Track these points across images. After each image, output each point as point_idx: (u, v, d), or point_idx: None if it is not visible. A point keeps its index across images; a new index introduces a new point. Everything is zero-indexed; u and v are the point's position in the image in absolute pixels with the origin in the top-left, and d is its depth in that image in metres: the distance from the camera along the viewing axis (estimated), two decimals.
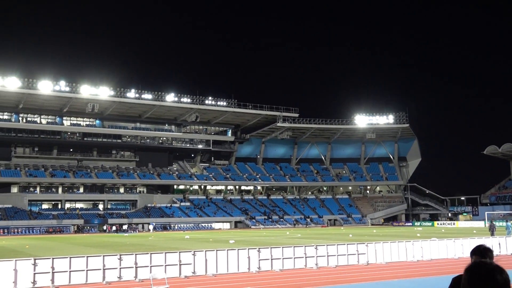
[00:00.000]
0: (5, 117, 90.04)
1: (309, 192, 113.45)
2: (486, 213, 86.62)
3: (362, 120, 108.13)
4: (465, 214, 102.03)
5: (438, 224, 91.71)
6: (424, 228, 78.07)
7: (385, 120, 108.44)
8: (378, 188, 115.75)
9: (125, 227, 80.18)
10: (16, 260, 18.17)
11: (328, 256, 23.38)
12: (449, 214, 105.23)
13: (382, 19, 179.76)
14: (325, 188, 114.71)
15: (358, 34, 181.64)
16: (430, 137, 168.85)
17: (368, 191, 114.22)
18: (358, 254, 24.01)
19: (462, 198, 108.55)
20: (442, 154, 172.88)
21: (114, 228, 79.38)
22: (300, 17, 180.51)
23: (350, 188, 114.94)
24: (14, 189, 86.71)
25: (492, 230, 44.06)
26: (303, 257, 22.89)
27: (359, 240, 32.16)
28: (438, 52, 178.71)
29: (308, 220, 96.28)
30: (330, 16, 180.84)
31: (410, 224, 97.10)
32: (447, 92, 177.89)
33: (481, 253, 4.60)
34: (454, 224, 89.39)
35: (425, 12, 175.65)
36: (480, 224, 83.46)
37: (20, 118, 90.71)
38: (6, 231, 73.41)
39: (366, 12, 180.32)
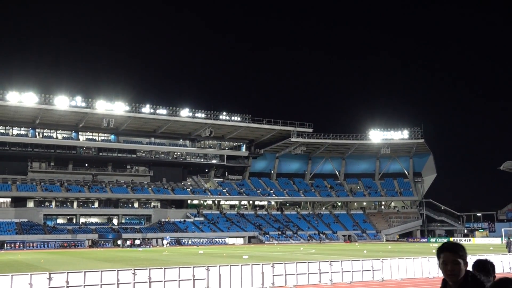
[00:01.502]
0: (22, 132, 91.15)
1: (323, 208, 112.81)
2: (503, 229, 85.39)
3: (376, 136, 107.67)
4: (481, 230, 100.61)
5: (454, 240, 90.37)
6: (439, 244, 76.99)
7: (400, 135, 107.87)
8: (393, 204, 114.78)
9: (137, 241, 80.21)
10: (31, 274, 18.29)
11: (342, 272, 23.19)
12: (465, 231, 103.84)
13: (399, 33, 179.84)
14: (339, 204, 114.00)
15: (373, 49, 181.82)
16: (446, 153, 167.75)
17: (382, 207, 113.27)
18: (373, 270, 23.79)
19: (479, 214, 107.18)
20: (458, 169, 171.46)
21: (128, 242, 79.50)
22: (315, 32, 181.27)
23: (364, 203, 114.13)
24: (30, 204, 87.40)
25: (509, 247, 43.44)
26: (317, 273, 22.73)
27: (374, 256, 31.86)
28: (454, 66, 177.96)
29: (322, 235, 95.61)
30: (345, 31, 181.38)
31: (426, 240, 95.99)
32: (463, 107, 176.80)
33: (484, 268, 4.44)
34: (470, 240, 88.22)
35: (442, 24, 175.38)
36: (497, 240, 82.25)
37: (37, 133, 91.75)
38: (21, 245, 73.88)
39: (382, 24, 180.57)
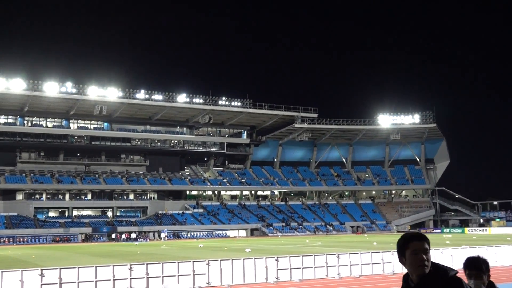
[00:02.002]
0: (10, 120, 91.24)
1: (330, 197, 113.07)
2: None
3: (385, 120, 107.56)
4: (498, 220, 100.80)
5: (469, 230, 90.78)
6: (453, 235, 77.34)
7: (411, 119, 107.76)
8: (403, 193, 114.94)
9: (133, 235, 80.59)
10: (22, 271, 18.40)
11: (351, 265, 23.29)
12: (481, 220, 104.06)
13: (407, 15, 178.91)
14: (346, 193, 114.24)
15: (381, 30, 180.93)
16: (459, 138, 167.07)
17: (393, 196, 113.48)
18: (383, 263, 23.87)
19: (495, 202, 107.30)
20: (473, 155, 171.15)
21: (123, 236, 79.89)
22: (318, 14, 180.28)
23: (373, 192, 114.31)
24: (20, 196, 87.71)
25: None
26: (324, 267, 22.82)
27: (384, 248, 31.96)
28: (466, 47, 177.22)
29: (329, 227, 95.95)
30: (351, 13, 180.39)
31: (439, 230, 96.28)
32: (477, 89, 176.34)
33: (475, 266, 4.41)
34: (486, 230, 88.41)
35: (454, 7, 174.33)
36: None
37: (25, 122, 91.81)
38: (11, 240, 74.29)
39: (393, 5, 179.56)
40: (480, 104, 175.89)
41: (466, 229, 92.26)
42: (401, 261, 3.90)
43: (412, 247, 3.76)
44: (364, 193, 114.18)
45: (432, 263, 3.76)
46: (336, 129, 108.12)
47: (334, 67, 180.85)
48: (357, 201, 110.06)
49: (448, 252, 25.87)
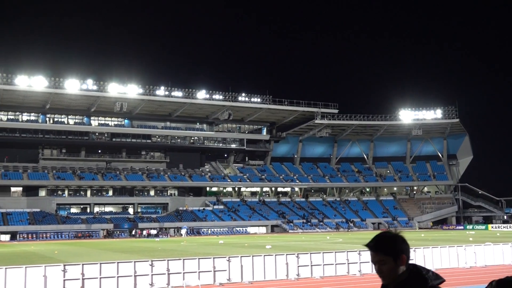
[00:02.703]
0: (32, 118, 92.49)
1: (351, 194, 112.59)
2: None
3: (407, 116, 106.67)
4: None
5: (492, 227, 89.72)
6: (477, 232, 76.45)
7: (433, 115, 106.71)
8: (425, 189, 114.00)
9: (153, 231, 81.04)
10: (45, 266, 18.68)
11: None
12: (505, 217, 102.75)
13: (432, 7, 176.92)
14: (368, 189, 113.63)
15: (402, 22, 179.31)
16: (483, 133, 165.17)
17: (414, 192, 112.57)
18: None
19: None
20: (496, 151, 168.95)
21: (144, 232, 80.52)
22: (338, 7, 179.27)
23: (395, 189, 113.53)
24: (42, 193, 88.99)
25: None
26: (345, 263, 22.77)
27: None
28: (490, 40, 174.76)
29: (350, 223, 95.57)
30: (370, 5, 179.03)
31: (462, 227, 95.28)
32: (501, 84, 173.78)
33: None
34: (510, 227, 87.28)
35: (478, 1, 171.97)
36: None
37: (47, 119, 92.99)
38: (34, 236, 75.42)
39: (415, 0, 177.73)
40: (503, 99, 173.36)
41: (489, 226, 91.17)
42: None
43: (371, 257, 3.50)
44: (385, 189, 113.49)
45: (416, 268, 3.42)
46: (357, 125, 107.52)
47: (355, 62, 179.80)
48: (378, 198, 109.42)
49: (472, 249, 25.61)
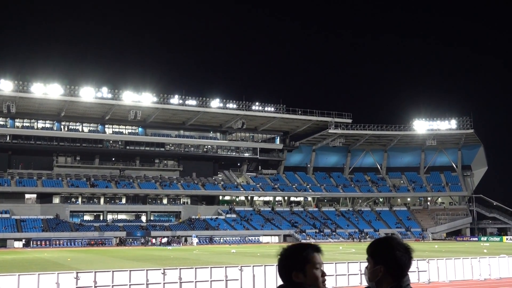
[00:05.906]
0: (47, 125, 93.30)
1: (364, 204, 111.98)
2: None
3: (421, 126, 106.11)
4: None
5: (507, 239, 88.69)
6: (491, 244, 75.60)
7: (447, 125, 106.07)
8: (439, 200, 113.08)
9: (164, 240, 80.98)
10: (58, 273, 18.76)
11: None
12: None
13: (447, 15, 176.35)
14: (381, 200, 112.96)
15: (417, 33, 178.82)
16: (498, 144, 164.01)
17: (428, 203, 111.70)
18: (419, 271, 23.51)
19: None
20: (511, 162, 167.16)
21: (155, 240, 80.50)
22: (350, 16, 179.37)
23: (408, 199, 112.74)
24: (56, 200, 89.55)
25: None
26: (358, 274, 22.61)
27: (419, 256, 31.46)
28: (507, 51, 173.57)
29: (363, 234, 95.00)
30: (387, 18, 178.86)
31: (476, 239, 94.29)
32: None
33: None
34: None
35: (495, 7, 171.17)
36: None
37: (62, 127, 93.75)
38: (47, 243, 75.80)
39: (430, 6, 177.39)
40: None
41: (504, 238, 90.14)
42: (295, 277, 3.31)
43: (313, 261, 3.32)
44: (399, 200, 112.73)
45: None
46: (371, 135, 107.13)
47: (369, 72, 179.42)
48: (391, 208, 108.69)
49: (486, 261, 25.32)
